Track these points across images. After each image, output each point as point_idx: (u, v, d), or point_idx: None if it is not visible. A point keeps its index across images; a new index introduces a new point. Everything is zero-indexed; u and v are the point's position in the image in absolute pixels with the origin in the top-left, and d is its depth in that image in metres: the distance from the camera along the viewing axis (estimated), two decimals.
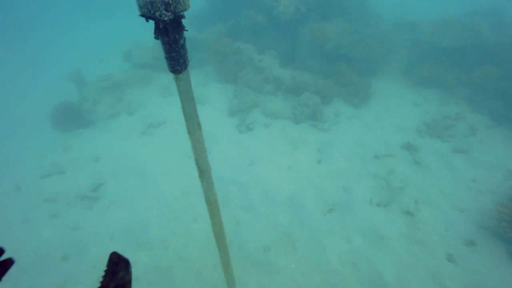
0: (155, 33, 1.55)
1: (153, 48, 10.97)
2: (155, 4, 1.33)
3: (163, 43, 1.63)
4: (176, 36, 1.66)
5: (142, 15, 1.38)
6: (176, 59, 1.89)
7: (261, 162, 7.02)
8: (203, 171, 2.75)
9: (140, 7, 1.36)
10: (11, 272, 5.60)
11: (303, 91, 8.72)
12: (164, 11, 1.38)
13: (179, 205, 6.18)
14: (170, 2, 1.36)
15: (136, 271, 5.04)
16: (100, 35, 15.85)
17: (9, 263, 0.89)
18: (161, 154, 7.54)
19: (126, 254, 5.41)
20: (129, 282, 0.93)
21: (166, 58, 1.76)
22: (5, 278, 0.84)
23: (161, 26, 1.50)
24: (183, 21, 1.64)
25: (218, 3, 12.62)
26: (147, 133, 8.26)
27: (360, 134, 7.52)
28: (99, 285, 0.89)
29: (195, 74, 10.79)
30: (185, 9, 1.47)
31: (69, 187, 6.83)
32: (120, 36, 15.03)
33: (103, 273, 1.14)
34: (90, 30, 16.34)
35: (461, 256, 4.89)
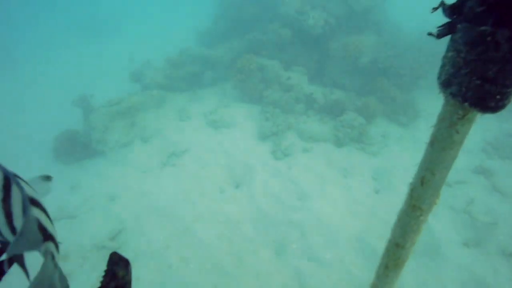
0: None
1: (165, 67, 10.03)
2: None
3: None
4: None
5: None
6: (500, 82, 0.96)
7: (312, 195, 5.98)
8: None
9: None
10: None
11: (340, 110, 7.85)
12: None
13: (224, 257, 5.00)
14: None
15: None
16: (97, 58, 14.84)
17: (9, 263, 0.92)
18: (189, 190, 6.40)
19: None
20: (129, 282, 0.91)
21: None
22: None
23: None
24: None
25: (230, 19, 11.89)
26: (168, 164, 7.13)
27: (417, 157, 6.59)
28: (99, 285, 0.86)
29: (212, 93, 9.84)
30: None
31: (82, 236, 5.57)
32: (119, 58, 14.05)
33: (103, 273, 0.91)
34: (85, 54, 15.30)
35: None
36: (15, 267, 1.09)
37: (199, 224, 5.58)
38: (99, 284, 0.89)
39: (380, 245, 5.01)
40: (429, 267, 4.62)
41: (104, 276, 0.90)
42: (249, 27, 10.81)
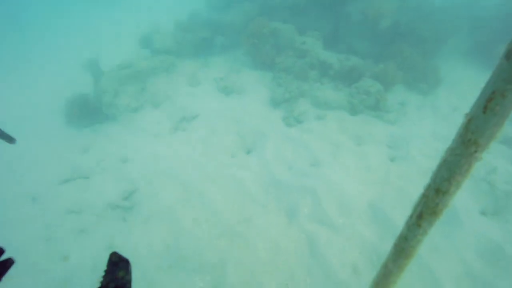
0: None
1: (174, 32, 9.69)
2: None
3: None
4: None
5: None
6: None
7: (325, 162, 5.86)
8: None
9: None
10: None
11: (357, 76, 7.50)
12: None
13: (235, 220, 5.02)
14: None
15: None
16: (105, 24, 14.45)
17: (9, 263, 0.90)
18: (201, 154, 6.36)
19: (178, 278, 4.28)
20: (129, 282, 0.92)
21: None
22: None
23: None
24: None
25: None
26: (179, 129, 7.06)
27: (437, 127, 6.34)
28: (99, 285, 0.88)
29: (222, 60, 9.55)
30: None
31: (96, 195, 5.67)
32: (128, 24, 13.64)
33: (103, 273, 0.93)
34: (92, 21, 14.91)
35: None
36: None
37: (210, 187, 5.58)
38: (99, 284, 0.89)
39: (394, 213, 4.94)
40: (443, 233, 4.54)
41: (104, 276, 0.90)
42: None
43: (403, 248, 1.71)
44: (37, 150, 6.95)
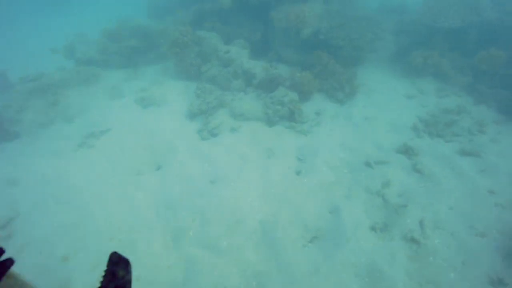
0: None
1: (100, 40, 9.25)
2: None
3: None
4: None
5: None
6: None
7: (226, 178, 5.57)
8: None
9: None
10: None
11: (275, 86, 7.30)
12: None
13: (117, 248, 4.64)
14: None
15: None
16: (35, 32, 13.73)
17: (9, 263, 0.90)
18: (102, 173, 5.95)
19: None
20: (129, 282, 0.93)
21: None
22: None
23: None
24: None
25: None
26: (85, 145, 6.62)
27: (347, 136, 6.18)
28: (99, 285, 0.88)
29: (152, 71, 9.18)
30: None
31: None
32: (58, 34, 12.97)
33: (103, 273, 0.93)
34: (24, 28, 14.18)
35: None
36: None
37: (100, 210, 5.17)
38: (99, 284, 0.89)
39: (286, 231, 4.68)
40: (327, 253, 4.31)
41: (104, 276, 0.90)
42: None
43: None
44: None
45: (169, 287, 4.15)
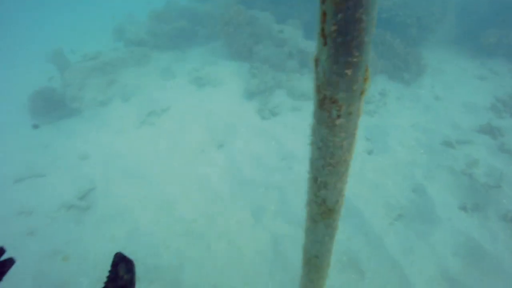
0: None
1: (149, 22, 9.22)
2: None
3: None
4: None
5: None
6: None
7: (296, 157, 5.46)
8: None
9: None
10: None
11: None
12: None
13: (198, 221, 4.62)
14: None
15: None
16: (80, 16, 13.89)
17: (9, 263, 0.90)
18: (166, 149, 5.95)
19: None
20: (132, 282, 0.92)
21: None
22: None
23: None
24: None
25: None
26: (146, 123, 6.64)
27: (419, 117, 5.95)
28: (103, 285, 0.87)
29: (199, 53, 9.10)
30: None
31: (50, 195, 5.25)
32: (106, 12, 13.06)
33: (107, 273, 0.90)
34: (67, 12, 14.33)
35: None
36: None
37: (173, 185, 5.18)
38: (102, 285, 0.90)
39: (367, 207, 4.56)
40: (418, 232, 4.16)
41: (108, 277, 0.90)
42: None
43: (309, 259, 1.31)
44: None
45: (258, 261, 4.11)
